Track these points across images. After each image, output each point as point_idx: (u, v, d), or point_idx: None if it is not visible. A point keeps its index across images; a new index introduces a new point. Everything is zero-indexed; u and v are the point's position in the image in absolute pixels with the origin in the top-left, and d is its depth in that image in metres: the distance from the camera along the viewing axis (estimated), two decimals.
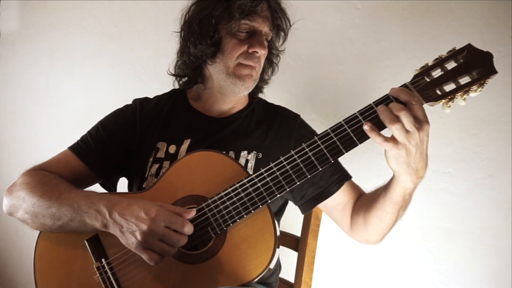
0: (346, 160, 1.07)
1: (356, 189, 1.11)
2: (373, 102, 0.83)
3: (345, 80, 1.48)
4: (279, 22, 1.10)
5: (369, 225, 1.00)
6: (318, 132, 0.88)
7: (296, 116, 1.19)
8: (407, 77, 0.85)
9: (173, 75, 1.19)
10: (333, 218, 1.15)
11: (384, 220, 0.95)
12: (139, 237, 0.83)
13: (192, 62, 1.10)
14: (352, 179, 1.13)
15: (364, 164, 1.42)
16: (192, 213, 0.89)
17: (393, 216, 0.94)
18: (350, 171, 1.14)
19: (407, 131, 0.77)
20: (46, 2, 2.19)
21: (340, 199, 1.10)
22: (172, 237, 0.83)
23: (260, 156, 1.09)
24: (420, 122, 0.79)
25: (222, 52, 1.05)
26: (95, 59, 2.04)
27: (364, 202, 1.05)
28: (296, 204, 1.16)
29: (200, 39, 1.04)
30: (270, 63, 1.20)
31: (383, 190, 0.94)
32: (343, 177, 1.11)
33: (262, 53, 1.06)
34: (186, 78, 1.18)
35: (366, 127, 0.81)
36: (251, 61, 1.05)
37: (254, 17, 1.02)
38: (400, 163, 0.81)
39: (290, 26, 1.14)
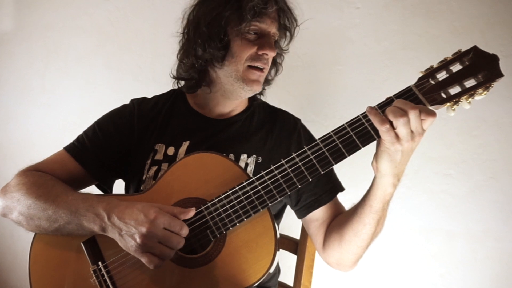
0: (346, 162, 1.05)
1: (338, 208, 1.09)
2: (377, 105, 0.82)
3: (345, 80, 1.46)
4: (286, 22, 1.09)
5: (344, 241, 0.97)
6: (319, 135, 0.86)
7: (297, 120, 1.18)
8: (408, 77, 0.84)
9: (178, 78, 1.16)
10: (308, 231, 1.13)
11: (360, 234, 0.93)
12: (138, 240, 0.82)
13: (201, 65, 1.07)
14: (351, 183, 1.11)
15: (363, 166, 1.41)
16: (191, 213, 0.87)
17: (371, 230, 0.91)
18: (349, 173, 1.12)
19: (411, 131, 0.76)
20: (41, 1, 2.17)
21: (321, 214, 1.08)
22: (172, 240, 0.82)
23: (260, 160, 1.07)
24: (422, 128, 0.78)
25: (231, 54, 1.02)
26: (91, 59, 2.02)
27: (341, 218, 1.03)
28: (292, 208, 1.15)
29: (209, 42, 1.02)
30: (274, 63, 1.18)
31: (361, 200, 0.92)
32: (337, 187, 1.10)
33: (272, 55, 1.05)
34: (193, 82, 1.12)
35: (368, 109, 0.80)
36: (260, 62, 1.03)
37: (263, 19, 1.01)
38: (392, 161, 0.80)
39: (297, 25, 1.12)
